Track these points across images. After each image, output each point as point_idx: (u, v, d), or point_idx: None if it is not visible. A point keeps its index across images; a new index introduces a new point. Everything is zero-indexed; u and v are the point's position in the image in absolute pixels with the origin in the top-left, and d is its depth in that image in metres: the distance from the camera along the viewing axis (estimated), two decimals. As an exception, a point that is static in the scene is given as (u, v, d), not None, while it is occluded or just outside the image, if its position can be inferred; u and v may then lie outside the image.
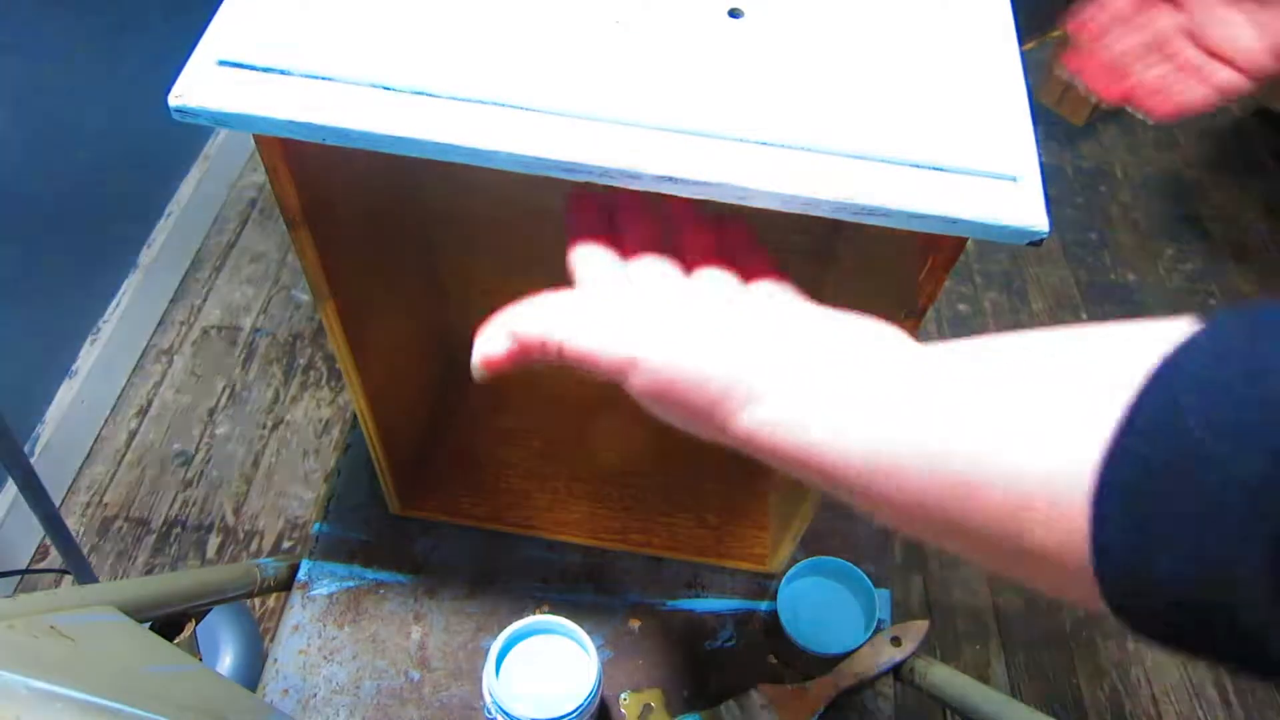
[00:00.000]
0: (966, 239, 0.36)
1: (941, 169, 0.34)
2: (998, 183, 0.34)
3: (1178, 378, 0.19)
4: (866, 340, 0.29)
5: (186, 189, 1.64)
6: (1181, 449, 0.18)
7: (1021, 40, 0.39)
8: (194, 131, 1.68)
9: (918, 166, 0.34)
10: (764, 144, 0.34)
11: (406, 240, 0.64)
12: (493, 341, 0.31)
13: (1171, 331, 0.20)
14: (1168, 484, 0.18)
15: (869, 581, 0.66)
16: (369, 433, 0.59)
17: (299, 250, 0.44)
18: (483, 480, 0.73)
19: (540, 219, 0.47)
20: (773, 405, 0.27)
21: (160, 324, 1.59)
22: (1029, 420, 0.21)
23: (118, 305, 1.47)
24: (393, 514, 0.70)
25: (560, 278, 0.45)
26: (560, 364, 0.31)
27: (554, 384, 0.79)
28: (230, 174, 1.80)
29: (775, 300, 0.32)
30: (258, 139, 0.37)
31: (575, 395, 0.79)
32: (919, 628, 0.65)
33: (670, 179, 0.33)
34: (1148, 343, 0.20)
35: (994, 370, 0.24)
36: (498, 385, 0.78)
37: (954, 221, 0.33)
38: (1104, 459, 0.19)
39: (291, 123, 0.33)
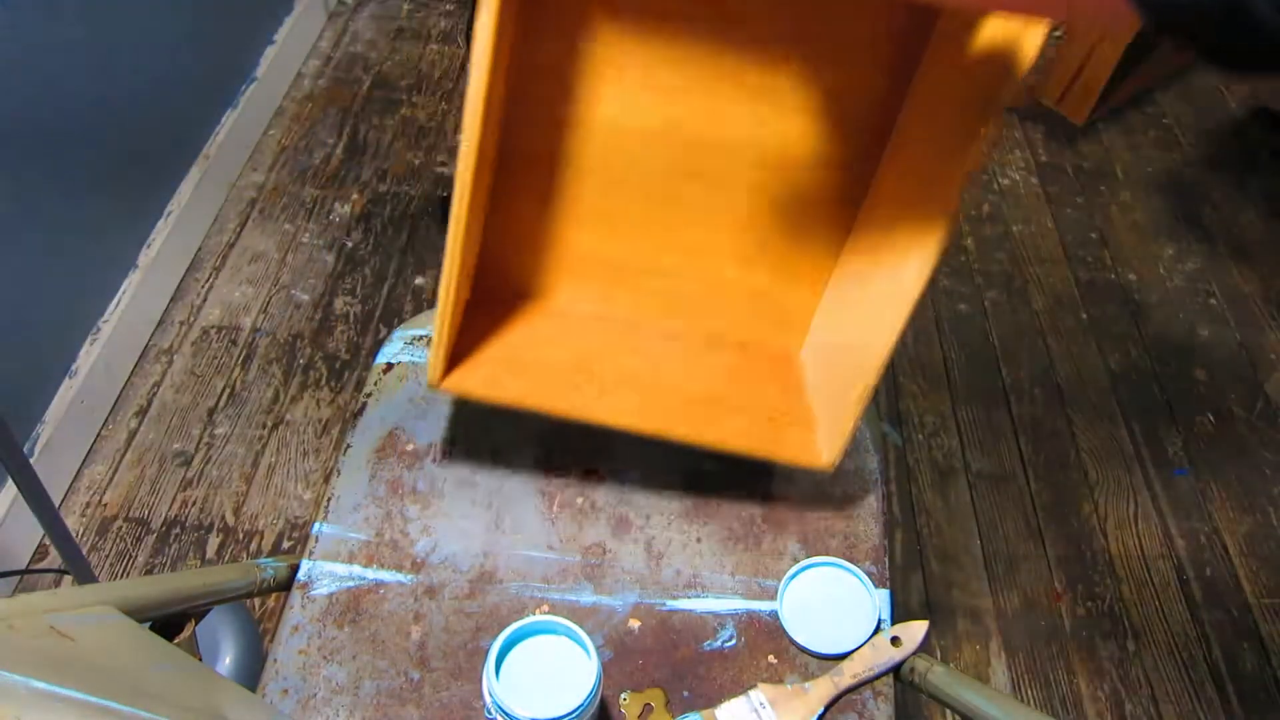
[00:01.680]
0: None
1: None
2: None
3: None
4: None
5: (186, 189, 1.64)
6: None
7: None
8: (194, 131, 1.68)
9: None
10: None
11: None
12: None
13: None
14: None
15: (869, 581, 0.66)
16: (455, 230, 0.58)
17: None
18: (528, 366, 0.71)
19: None
20: None
21: (160, 324, 1.59)
22: None
23: (118, 305, 1.47)
24: (429, 387, 0.67)
25: None
26: None
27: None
28: (230, 174, 1.80)
29: None
30: None
31: (623, 320, 0.77)
32: (919, 628, 0.65)
33: None
34: None
35: None
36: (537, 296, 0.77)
37: None
38: None
39: None
